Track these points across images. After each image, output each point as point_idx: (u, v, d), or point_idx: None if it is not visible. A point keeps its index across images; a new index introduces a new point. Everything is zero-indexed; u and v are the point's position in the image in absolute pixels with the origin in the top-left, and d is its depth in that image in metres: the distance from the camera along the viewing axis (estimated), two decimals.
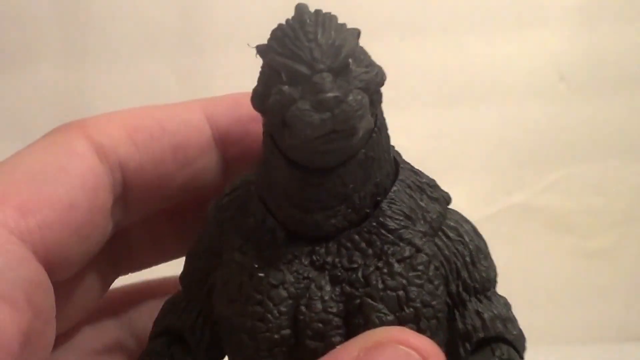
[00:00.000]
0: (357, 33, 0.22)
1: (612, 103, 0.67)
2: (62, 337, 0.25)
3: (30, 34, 0.65)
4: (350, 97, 0.20)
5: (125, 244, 0.28)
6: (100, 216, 0.23)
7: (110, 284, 0.28)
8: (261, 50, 0.22)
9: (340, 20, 0.22)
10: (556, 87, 0.67)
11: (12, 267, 0.20)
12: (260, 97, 0.22)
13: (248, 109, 0.23)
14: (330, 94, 0.20)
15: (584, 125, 0.68)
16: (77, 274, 0.23)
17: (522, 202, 0.69)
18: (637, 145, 0.68)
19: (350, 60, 0.21)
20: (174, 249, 0.29)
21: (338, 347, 0.22)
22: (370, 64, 0.22)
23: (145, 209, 0.25)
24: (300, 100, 0.20)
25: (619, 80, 0.67)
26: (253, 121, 0.24)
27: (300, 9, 0.22)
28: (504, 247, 0.68)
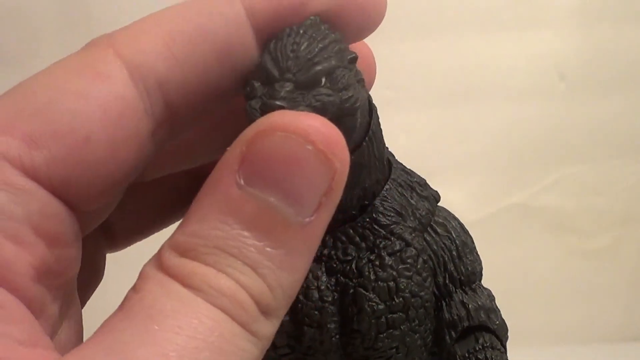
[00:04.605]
0: (350, 57, 0.23)
1: (612, 103, 0.67)
2: None
3: (30, 34, 0.65)
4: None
5: None
6: (125, 149, 0.21)
7: (122, 194, 0.26)
8: (264, 46, 0.23)
9: None
10: (556, 87, 0.67)
11: (17, 202, 0.19)
12: (244, 83, 0.23)
13: None
14: (277, 102, 0.21)
15: (584, 125, 0.68)
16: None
17: (522, 202, 0.69)
18: (637, 145, 0.68)
19: (323, 79, 0.22)
20: (184, 156, 0.28)
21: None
22: (345, 89, 0.23)
23: (191, 125, 0.23)
24: (256, 98, 0.22)
25: (619, 80, 0.67)
26: (293, 12, 0.23)
27: (306, 20, 0.23)
28: (504, 247, 0.68)
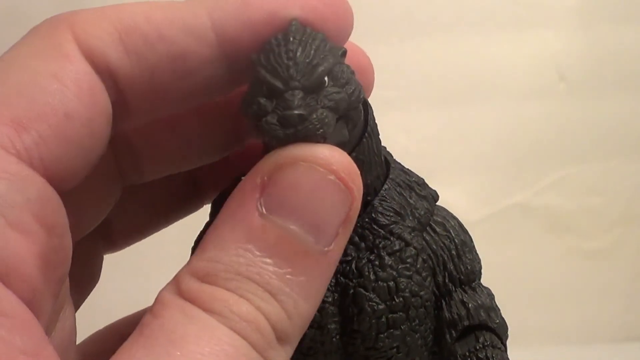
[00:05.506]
0: (341, 52, 0.24)
1: (612, 103, 0.67)
2: None
3: None
4: (314, 116, 0.22)
5: (130, 153, 0.27)
6: (99, 123, 0.21)
7: (119, 195, 0.27)
8: (252, 61, 0.23)
9: None
10: (556, 87, 0.67)
11: (17, 190, 0.19)
12: (245, 104, 0.23)
13: (259, 12, 0.22)
14: (295, 112, 0.21)
15: (584, 125, 0.68)
16: (83, 184, 0.22)
17: (522, 202, 0.69)
18: (637, 145, 0.68)
19: (325, 78, 0.22)
20: (179, 158, 0.28)
21: (243, 178, 0.22)
22: (348, 83, 0.23)
23: (143, 116, 0.24)
24: (270, 114, 0.22)
25: (619, 80, 0.67)
26: (265, 25, 0.23)
27: (290, 26, 0.23)
28: (504, 247, 0.68)
